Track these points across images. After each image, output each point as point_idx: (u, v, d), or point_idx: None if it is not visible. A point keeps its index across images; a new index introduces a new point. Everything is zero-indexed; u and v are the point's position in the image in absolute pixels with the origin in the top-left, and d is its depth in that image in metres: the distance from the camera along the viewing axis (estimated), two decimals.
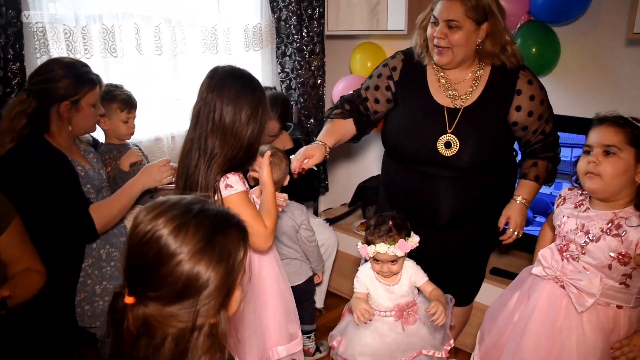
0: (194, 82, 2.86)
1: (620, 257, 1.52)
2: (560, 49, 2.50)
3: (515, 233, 2.01)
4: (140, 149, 2.40)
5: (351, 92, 2.24)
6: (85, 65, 1.96)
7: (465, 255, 2.14)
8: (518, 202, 2.01)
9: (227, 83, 1.60)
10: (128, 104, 2.28)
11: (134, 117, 2.32)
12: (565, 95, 2.57)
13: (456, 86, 1.98)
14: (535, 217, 2.58)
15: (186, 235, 0.94)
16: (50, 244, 1.87)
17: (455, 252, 2.10)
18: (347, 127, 2.14)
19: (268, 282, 1.82)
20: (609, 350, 1.59)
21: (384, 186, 2.30)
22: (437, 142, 1.95)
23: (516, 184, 2.09)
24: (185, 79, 2.80)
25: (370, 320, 1.85)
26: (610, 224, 1.55)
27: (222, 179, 1.59)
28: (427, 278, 1.92)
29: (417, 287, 1.93)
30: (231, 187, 1.59)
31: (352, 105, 2.15)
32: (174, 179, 2.18)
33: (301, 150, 1.97)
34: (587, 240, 1.58)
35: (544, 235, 1.91)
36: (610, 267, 1.54)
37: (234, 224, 1.01)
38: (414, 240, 1.83)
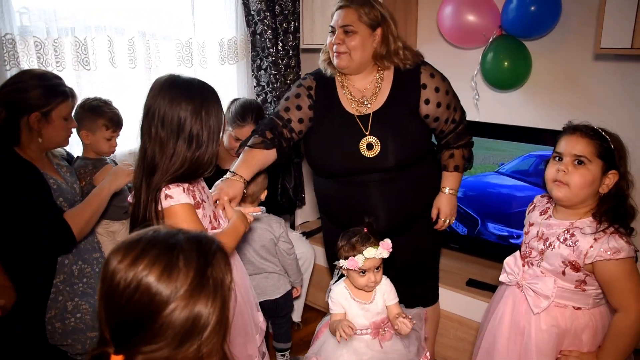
0: None
1: (571, 265, 1.57)
2: (532, 63, 2.56)
3: (447, 222, 2.18)
4: (116, 164, 2.36)
5: (268, 116, 2.22)
6: (58, 78, 1.93)
7: (416, 258, 2.21)
8: (446, 193, 2.16)
9: (162, 91, 1.49)
10: (115, 122, 2.25)
11: (118, 135, 2.29)
12: (536, 108, 2.62)
13: (363, 93, 2.06)
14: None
15: (178, 276, 0.85)
16: (20, 259, 1.82)
17: (405, 257, 2.13)
18: (267, 156, 2.06)
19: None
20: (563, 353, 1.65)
21: (320, 204, 2.33)
22: (358, 146, 2.01)
23: None
24: None
25: (354, 334, 1.83)
26: (566, 233, 1.59)
27: (164, 188, 1.50)
28: (397, 299, 1.92)
29: (387, 305, 1.91)
30: (171, 197, 1.50)
31: (275, 132, 2.07)
32: None
33: (218, 191, 1.83)
34: (544, 247, 1.64)
35: None
36: (564, 273, 1.59)
37: (217, 249, 0.94)
38: (388, 240, 1.84)
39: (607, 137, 1.56)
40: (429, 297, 2.34)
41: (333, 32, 2.00)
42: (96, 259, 2.06)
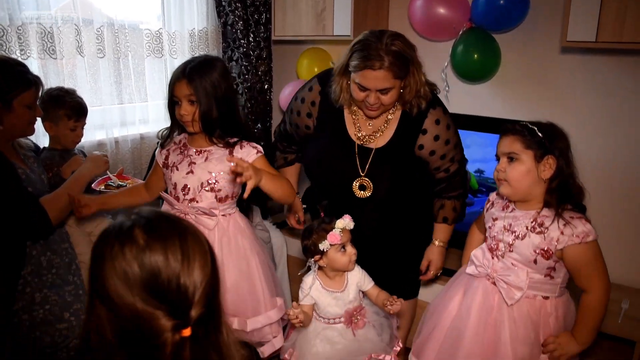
0: (139, 85, 2.81)
1: (543, 252, 1.62)
2: (501, 56, 2.60)
3: (437, 275, 2.21)
4: (84, 155, 2.32)
5: (278, 129, 2.32)
6: (22, 65, 1.87)
7: (401, 253, 2.21)
8: (437, 245, 2.16)
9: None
10: (77, 111, 2.19)
11: (83, 124, 2.24)
12: (505, 100, 2.67)
13: (369, 127, 2.01)
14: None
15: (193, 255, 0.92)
16: None
17: (391, 251, 2.17)
18: (296, 166, 2.29)
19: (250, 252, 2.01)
20: (539, 340, 1.68)
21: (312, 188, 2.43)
22: (351, 185, 2.02)
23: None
24: (129, 82, 2.73)
25: (302, 322, 1.83)
26: (534, 222, 1.65)
27: None
28: (373, 283, 1.96)
29: (364, 291, 1.96)
30: None
31: (290, 145, 2.27)
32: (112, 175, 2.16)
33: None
34: (514, 238, 1.68)
35: (472, 237, 2.01)
36: (535, 261, 1.64)
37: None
38: (347, 215, 1.90)
39: (534, 127, 1.63)
40: (410, 291, 2.35)
41: (363, 89, 1.83)
42: (65, 249, 2.02)
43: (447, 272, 2.47)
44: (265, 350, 2.05)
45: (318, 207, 1.96)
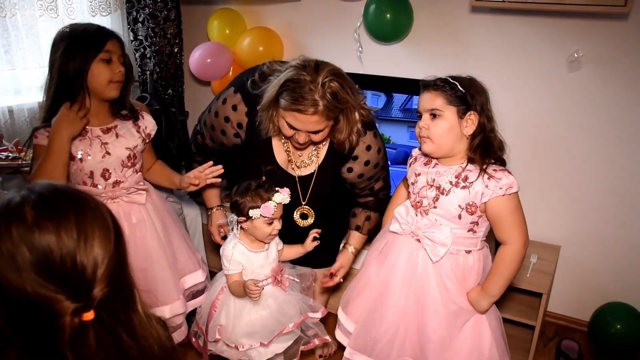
0: (32, 49, 2.58)
1: (468, 207, 1.63)
2: (413, 15, 2.59)
3: (341, 280, 2.12)
4: None
5: (195, 141, 2.11)
6: None
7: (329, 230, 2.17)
8: (350, 251, 2.12)
9: None
10: None
11: None
12: (418, 59, 2.68)
13: (299, 156, 1.96)
14: None
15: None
16: None
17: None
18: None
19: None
20: (464, 293, 1.70)
21: None
22: (293, 214, 2.01)
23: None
24: (20, 45, 2.50)
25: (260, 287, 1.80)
26: (457, 178, 1.64)
27: None
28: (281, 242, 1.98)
29: (279, 249, 1.95)
30: None
31: (209, 157, 2.03)
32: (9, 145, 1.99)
33: (215, 229, 2.12)
34: (438, 194, 1.67)
35: (399, 194, 1.98)
36: (460, 216, 1.64)
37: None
38: (286, 188, 1.84)
39: (456, 82, 1.61)
40: (330, 259, 2.35)
41: (292, 128, 1.73)
42: None
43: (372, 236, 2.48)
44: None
45: (262, 168, 1.86)
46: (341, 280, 2.12)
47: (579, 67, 2.35)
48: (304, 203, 2.00)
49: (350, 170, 1.96)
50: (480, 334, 1.72)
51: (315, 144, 1.89)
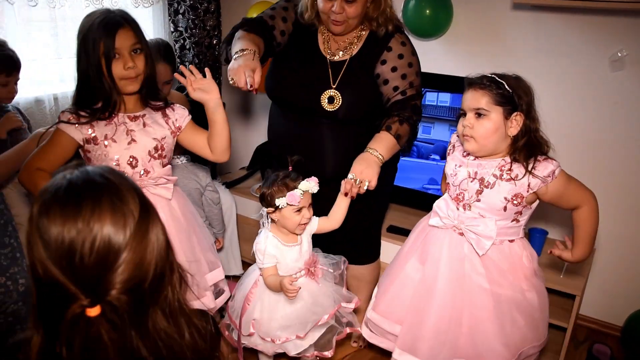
0: None
1: (514, 197, 1.61)
2: (453, 12, 2.58)
3: (358, 182, 1.82)
4: (20, 112, 2.19)
5: (254, 17, 2.13)
6: None
7: (359, 211, 2.09)
8: (370, 153, 1.88)
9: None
10: (8, 65, 2.03)
11: (17, 79, 2.09)
12: (456, 57, 2.66)
13: (339, 44, 2.06)
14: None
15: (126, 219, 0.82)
16: None
17: (350, 217, 2.03)
18: (259, 45, 1.94)
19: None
20: (516, 282, 1.69)
21: (270, 132, 2.31)
22: (321, 96, 2.01)
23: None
24: (67, 35, 2.57)
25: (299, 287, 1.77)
26: (501, 170, 1.63)
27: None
28: (316, 217, 1.92)
29: (316, 229, 1.92)
30: None
31: (262, 27, 2.04)
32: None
33: (237, 68, 1.76)
34: (482, 187, 1.65)
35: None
36: (505, 208, 1.63)
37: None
38: (314, 177, 1.82)
39: (503, 82, 1.58)
40: (371, 255, 2.35)
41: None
42: (0, 210, 1.92)
43: (405, 233, 2.41)
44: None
45: (288, 159, 1.84)
46: (361, 184, 1.82)
47: (622, 67, 2.31)
48: (334, 86, 2.02)
49: (384, 62, 2.00)
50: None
51: (350, 27, 1.98)
